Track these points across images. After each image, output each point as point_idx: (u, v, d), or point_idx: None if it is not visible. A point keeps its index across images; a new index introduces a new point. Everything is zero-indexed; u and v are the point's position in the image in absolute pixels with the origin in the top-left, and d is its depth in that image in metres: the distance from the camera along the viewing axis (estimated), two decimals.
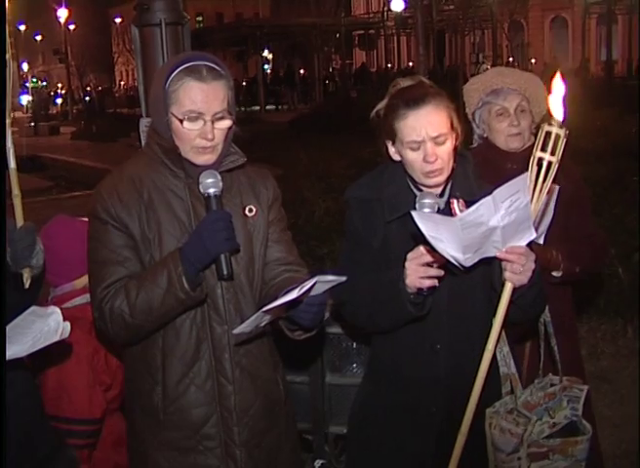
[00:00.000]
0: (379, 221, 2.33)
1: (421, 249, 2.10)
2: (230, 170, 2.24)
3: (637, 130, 9.07)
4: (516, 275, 2.02)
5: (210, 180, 2.09)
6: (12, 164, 2.23)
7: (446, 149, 2.21)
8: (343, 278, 1.96)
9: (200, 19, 48.28)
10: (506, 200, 1.90)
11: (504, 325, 2.08)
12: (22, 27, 51.08)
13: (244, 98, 31.02)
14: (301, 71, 34.82)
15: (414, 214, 1.91)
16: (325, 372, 3.06)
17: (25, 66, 51.62)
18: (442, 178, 2.24)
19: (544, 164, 1.93)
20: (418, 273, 2.11)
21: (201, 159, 2.15)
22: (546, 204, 2.77)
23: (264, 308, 1.94)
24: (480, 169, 2.44)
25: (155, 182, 2.19)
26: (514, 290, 2.05)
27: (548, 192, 2.50)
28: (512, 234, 1.98)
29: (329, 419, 3.05)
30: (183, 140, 2.13)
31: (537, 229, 2.63)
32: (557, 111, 1.92)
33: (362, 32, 32.98)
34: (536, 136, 2.94)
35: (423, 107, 2.20)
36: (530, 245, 2.05)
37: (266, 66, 39.40)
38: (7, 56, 2.24)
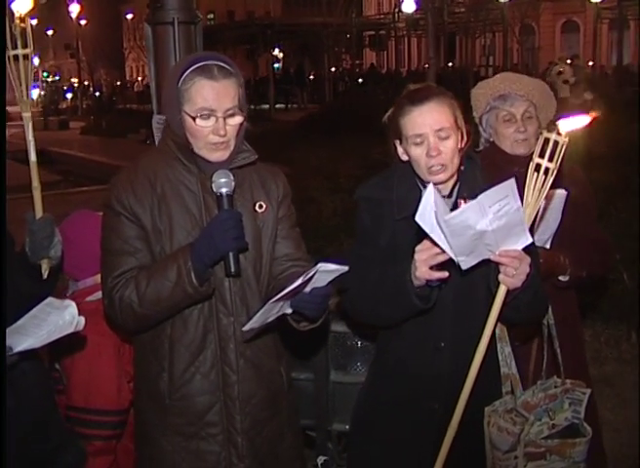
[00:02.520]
0: (387, 220, 2.38)
1: (429, 241, 2.13)
2: (242, 166, 2.30)
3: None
4: (509, 278, 2.06)
5: (223, 180, 2.15)
6: (32, 157, 2.29)
7: (449, 145, 2.26)
8: (345, 268, 2.03)
9: (211, 16, 48.37)
10: (495, 204, 1.93)
11: (496, 325, 2.14)
12: (34, 22, 51.24)
13: (253, 97, 31.09)
14: (312, 71, 34.92)
15: (417, 219, 1.95)
16: (329, 370, 3.11)
17: (37, 61, 51.79)
18: (446, 175, 2.28)
19: (542, 170, 1.96)
20: (427, 263, 2.11)
21: (214, 156, 2.22)
22: (552, 209, 2.80)
23: (271, 300, 2.01)
24: (487, 171, 2.48)
25: (169, 176, 2.26)
26: (508, 292, 2.09)
27: (547, 197, 2.54)
28: (505, 238, 2.01)
29: (332, 416, 3.10)
30: (197, 137, 2.19)
31: (533, 233, 2.67)
32: (568, 123, 1.95)
33: (373, 33, 32.97)
34: None
35: (427, 104, 2.26)
36: (528, 249, 2.08)
37: (277, 65, 39.48)
38: (28, 51, 2.26)
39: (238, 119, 2.21)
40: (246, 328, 2.10)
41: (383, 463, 2.47)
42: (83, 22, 43.57)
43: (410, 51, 34.46)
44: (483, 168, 2.46)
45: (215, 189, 2.16)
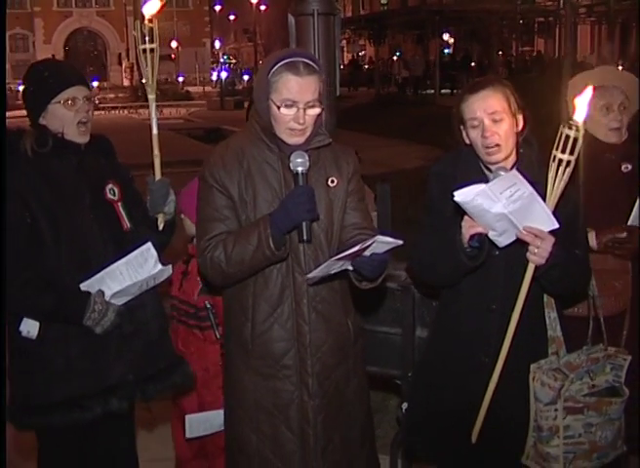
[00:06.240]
0: (452, 194, 2.73)
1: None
2: (318, 147, 2.67)
3: None
4: (532, 255, 2.41)
5: (299, 160, 2.52)
6: (154, 130, 2.84)
7: (503, 127, 2.57)
8: (400, 242, 2.40)
9: (384, 1, 48.65)
10: (505, 191, 2.31)
11: (529, 295, 2.50)
12: (218, 8, 53.72)
13: (422, 82, 31.29)
14: (479, 57, 34.52)
15: (457, 199, 2.36)
16: (416, 327, 3.47)
17: (217, 44, 54.25)
18: (501, 156, 2.59)
19: (557, 161, 2.34)
20: (470, 222, 2.49)
21: (292, 140, 2.59)
22: None
23: (333, 258, 2.41)
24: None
25: (254, 154, 2.63)
26: (537, 268, 2.43)
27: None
28: (525, 219, 2.37)
29: None
30: (279, 123, 2.57)
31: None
32: (579, 113, 2.26)
33: (542, 19, 32.17)
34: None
35: (482, 91, 2.60)
36: (554, 232, 2.40)
37: (447, 50, 39.31)
38: (154, 45, 2.78)
39: (317, 110, 2.57)
40: (309, 275, 2.50)
41: (439, 406, 2.81)
42: (263, 8, 45.28)
43: (579, 39, 33.19)
44: None
45: (292, 167, 2.51)
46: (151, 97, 2.83)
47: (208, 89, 45.04)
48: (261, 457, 2.71)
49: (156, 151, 2.83)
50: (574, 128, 2.28)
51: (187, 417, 3.18)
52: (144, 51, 2.77)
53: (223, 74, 37.49)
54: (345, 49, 48.84)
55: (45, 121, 2.72)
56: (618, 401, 2.65)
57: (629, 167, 3.21)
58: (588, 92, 2.32)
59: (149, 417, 4.15)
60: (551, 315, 2.69)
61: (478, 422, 2.63)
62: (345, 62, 44.80)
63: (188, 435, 3.21)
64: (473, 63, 32.31)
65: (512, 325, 2.51)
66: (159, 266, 2.74)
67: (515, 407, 2.66)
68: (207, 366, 3.22)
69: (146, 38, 2.75)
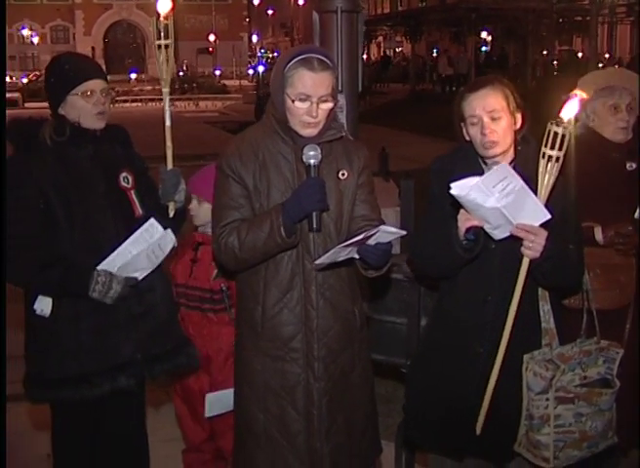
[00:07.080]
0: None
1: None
2: (330, 141, 2.77)
3: None
4: (527, 249, 2.51)
5: (312, 153, 2.62)
6: (167, 122, 2.98)
7: (501, 125, 2.66)
8: (403, 232, 2.52)
9: None
10: (497, 184, 2.39)
11: (525, 288, 2.59)
12: (256, 2, 53.82)
13: (466, 79, 31.14)
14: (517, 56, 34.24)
15: (453, 192, 2.45)
16: (421, 317, 3.57)
17: (255, 38, 54.47)
18: (498, 150, 2.69)
19: (546, 158, 2.44)
20: (466, 216, 2.59)
21: (305, 132, 2.70)
22: None
23: (340, 245, 2.52)
24: (583, 156, 2.86)
25: (269, 146, 2.74)
26: (531, 261, 2.53)
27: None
28: (519, 213, 2.46)
29: None
30: (293, 115, 2.68)
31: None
32: (567, 111, 2.35)
33: (580, 19, 31.82)
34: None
35: (481, 90, 2.69)
36: (547, 225, 2.49)
37: (485, 48, 39.10)
38: (169, 41, 2.91)
39: (329, 104, 2.68)
40: (317, 261, 2.61)
41: (435, 396, 2.90)
42: (301, 3, 45.31)
43: (619, 39, 32.76)
44: (581, 153, 2.82)
45: (305, 160, 2.61)
46: (165, 90, 2.97)
47: (244, 82, 45.28)
48: (268, 436, 2.82)
49: (168, 143, 2.97)
50: (562, 125, 2.37)
51: (207, 396, 3.30)
52: (159, 46, 2.90)
53: (260, 68, 37.65)
54: (382, 45, 48.78)
55: (64, 111, 2.88)
56: (608, 392, 2.73)
57: (633, 165, 3.30)
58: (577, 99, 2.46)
59: (166, 399, 4.30)
60: (545, 307, 2.77)
61: (482, 415, 2.71)
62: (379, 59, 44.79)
63: (207, 414, 3.33)
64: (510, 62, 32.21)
65: (510, 317, 2.59)
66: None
67: (509, 396, 2.74)
68: (220, 346, 3.35)
69: (162, 34, 2.88)
